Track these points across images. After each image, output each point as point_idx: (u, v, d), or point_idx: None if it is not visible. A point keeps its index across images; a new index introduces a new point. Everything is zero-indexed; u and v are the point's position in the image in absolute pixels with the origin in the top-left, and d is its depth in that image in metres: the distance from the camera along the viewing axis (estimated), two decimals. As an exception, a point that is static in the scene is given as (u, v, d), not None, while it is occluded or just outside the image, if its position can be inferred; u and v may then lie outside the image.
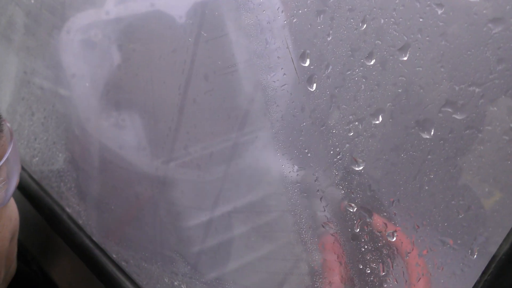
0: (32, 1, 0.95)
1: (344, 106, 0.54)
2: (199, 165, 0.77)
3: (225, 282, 0.76)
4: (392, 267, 0.54)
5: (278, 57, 0.60)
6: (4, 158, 0.60)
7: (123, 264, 0.84)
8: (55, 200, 0.95)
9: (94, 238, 0.88)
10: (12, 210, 0.67)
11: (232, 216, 0.76)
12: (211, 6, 0.69)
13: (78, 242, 0.89)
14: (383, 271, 0.55)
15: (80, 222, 0.91)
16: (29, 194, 0.98)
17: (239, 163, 0.74)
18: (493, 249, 0.45)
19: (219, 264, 0.78)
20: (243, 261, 0.77)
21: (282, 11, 0.59)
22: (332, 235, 0.59)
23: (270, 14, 0.60)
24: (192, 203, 0.81)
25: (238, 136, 0.72)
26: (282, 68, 0.60)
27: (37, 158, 1.01)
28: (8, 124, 0.62)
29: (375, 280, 0.56)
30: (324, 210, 0.59)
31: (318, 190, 0.59)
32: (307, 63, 0.57)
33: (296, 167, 0.62)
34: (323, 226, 0.60)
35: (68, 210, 0.93)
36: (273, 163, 0.66)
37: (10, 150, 0.61)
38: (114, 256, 0.85)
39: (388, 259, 0.54)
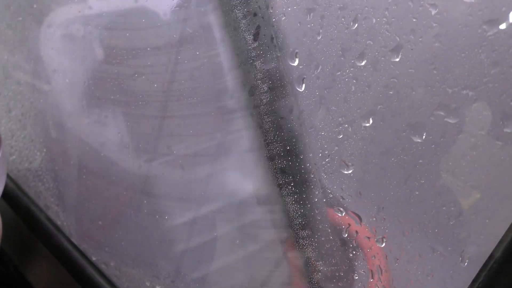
0: (10, -7, 0.92)
1: (333, 107, 0.53)
2: (182, 164, 0.75)
3: (208, 284, 0.75)
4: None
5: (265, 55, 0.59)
6: None
7: (102, 267, 0.82)
8: (33, 200, 0.93)
9: (73, 240, 0.86)
10: None
11: (216, 217, 0.74)
12: (196, 2, 0.68)
13: (57, 244, 0.86)
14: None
15: (59, 223, 0.89)
16: (6, 194, 0.95)
17: (224, 162, 0.72)
18: (484, 257, 0.44)
19: (202, 266, 0.77)
20: (226, 262, 0.75)
21: (271, 9, 0.58)
22: (316, 236, 0.58)
23: (258, 11, 0.59)
24: (175, 203, 0.79)
25: (223, 135, 0.70)
26: (269, 67, 0.59)
27: (14, 156, 0.98)
28: None
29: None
30: (311, 213, 0.58)
31: (303, 193, 0.58)
32: (296, 62, 0.56)
33: (282, 168, 0.61)
34: (309, 228, 0.59)
35: (47, 210, 0.91)
36: (258, 163, 0.65)
37: None
38: (93, 258, 0.83)
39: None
